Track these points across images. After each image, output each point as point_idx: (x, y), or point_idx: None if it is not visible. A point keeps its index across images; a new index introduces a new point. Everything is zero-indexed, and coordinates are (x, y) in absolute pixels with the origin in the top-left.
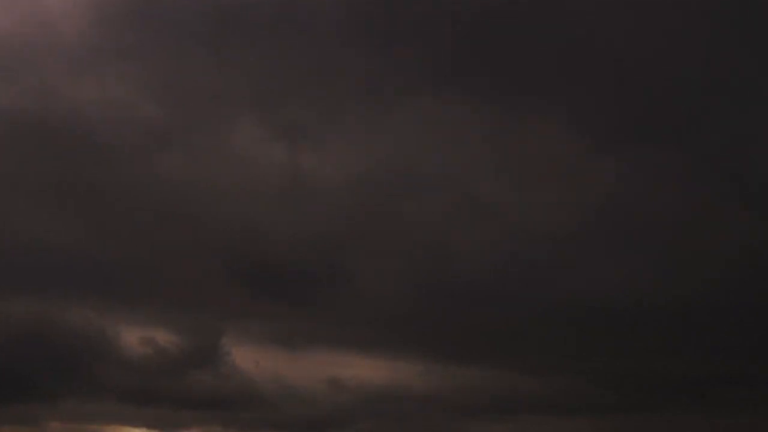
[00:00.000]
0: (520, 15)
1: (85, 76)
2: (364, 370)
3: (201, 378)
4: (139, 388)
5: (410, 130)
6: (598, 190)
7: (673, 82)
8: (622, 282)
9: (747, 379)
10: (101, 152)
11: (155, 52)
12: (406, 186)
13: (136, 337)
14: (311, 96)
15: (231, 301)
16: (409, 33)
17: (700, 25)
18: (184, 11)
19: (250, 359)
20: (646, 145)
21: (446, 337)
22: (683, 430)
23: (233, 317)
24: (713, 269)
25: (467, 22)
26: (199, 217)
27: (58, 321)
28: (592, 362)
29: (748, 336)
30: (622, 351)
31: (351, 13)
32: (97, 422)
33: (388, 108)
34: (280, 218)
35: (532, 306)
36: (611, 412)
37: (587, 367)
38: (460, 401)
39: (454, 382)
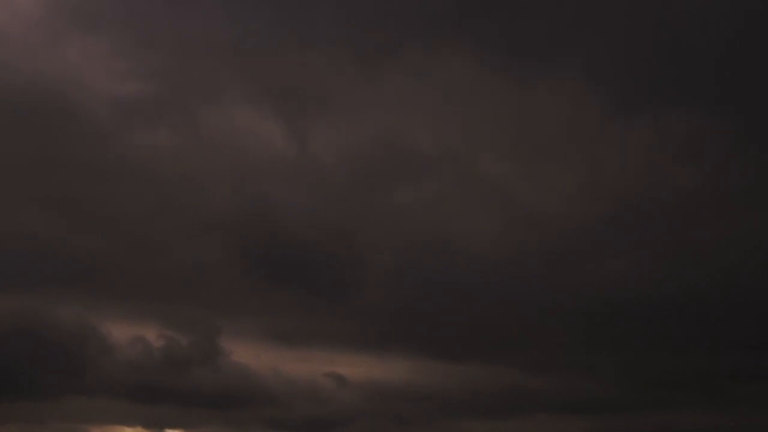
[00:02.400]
0: None
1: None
2: (364, 368)
3: (200, 376)
4: (135, 386)
5: (405, 98)
6: (612, 170)
7: (707, 36)
8: (632, 274)
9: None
10: (82, 133)
11: (128, 17)
12: (403, 167)
13: (132, 334)
14: (299, 64)
15: (229, 297)
16: None
17: None
18: None
19: (249, 356)
20: (671, 110)
21: (447, 334)
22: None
23: (232, 313)
24: (724, 259)
25: None
26: (192, 203)
27: (52, 319)
28: (597, 358)
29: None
30: (628, 347)
31: None
32: (94, 422)
33: (380, 71)
34: (273, 206)
35: (535, 301)
36: (616, 411)
37: (591, 364)
38: (461, 399)
39: (455, 381)
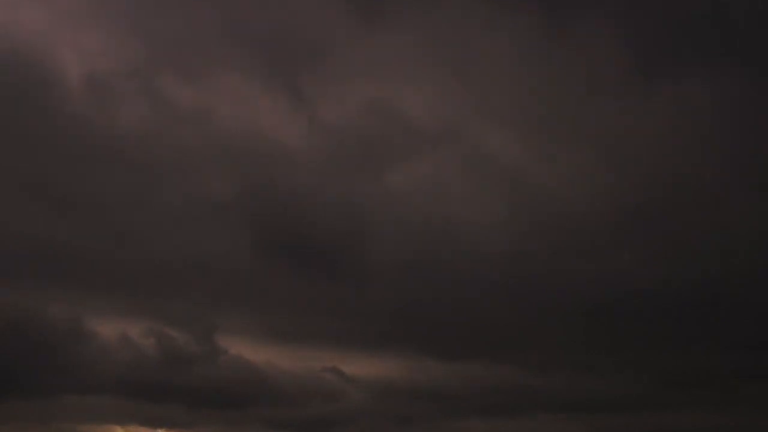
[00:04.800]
0: None
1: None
2: (364, 367)
3: (197, 374)
4: (130, 385)
5: (403, 60)
6: (626, 155)
7: None
8: (633, 273)
9: None
10: (58, 116)
11: None
12: (401, 144)
13: (127, 332)
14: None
15: (226, 293)
16: None
17: None
18: None
19: (248, 354)
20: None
21: (447, 333)
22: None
23: (229, 310)
24: (725, 259)
25: None
26: (184, 189)
27: (46, 317)
28: (598, 358)
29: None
30: (628, 346)
31: None
32: (88, 421)
33: (381, 22)
34: (271, 194)
35: (536, 301)
36: (616, 410)
37: (591, 364)
38: (461, 398)
39: (456, 380)
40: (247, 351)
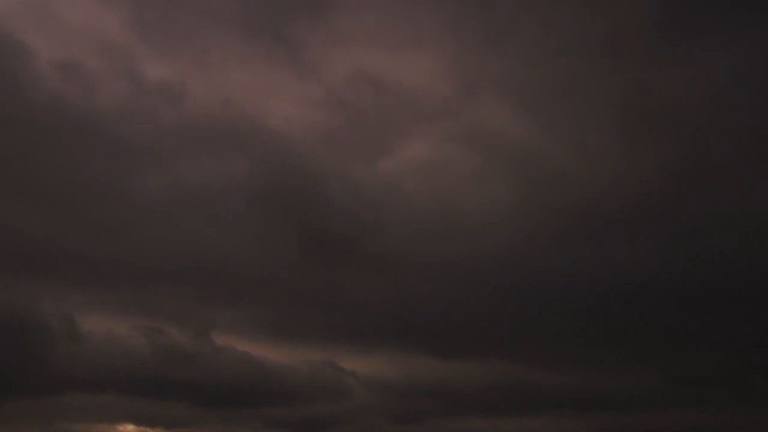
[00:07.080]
0: None
1: None
2: (364, 365)
3: (194, 372)
4: (126, 383)
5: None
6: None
7: None
8: (636, 272)
9: None
10: (38, 103)
11: None
12: (396, 122)
13: (124, 330)
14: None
15: (223, 290)
16: None
17: None
18: None
19: (245, 351)
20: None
21: (448, 330)
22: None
23: (225, 307)
24: (734, 258)
25: None
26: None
27: (39, 317)
28: (601, 355)
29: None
30: (632, 344)
31: None
32: (84, 420)
33: None
34: (267, 184)
35: (537, 298)
36: (619, 408)
37: (594, 361)
38: (461, 396)
39: (456, 377)
40: (245, 348)
